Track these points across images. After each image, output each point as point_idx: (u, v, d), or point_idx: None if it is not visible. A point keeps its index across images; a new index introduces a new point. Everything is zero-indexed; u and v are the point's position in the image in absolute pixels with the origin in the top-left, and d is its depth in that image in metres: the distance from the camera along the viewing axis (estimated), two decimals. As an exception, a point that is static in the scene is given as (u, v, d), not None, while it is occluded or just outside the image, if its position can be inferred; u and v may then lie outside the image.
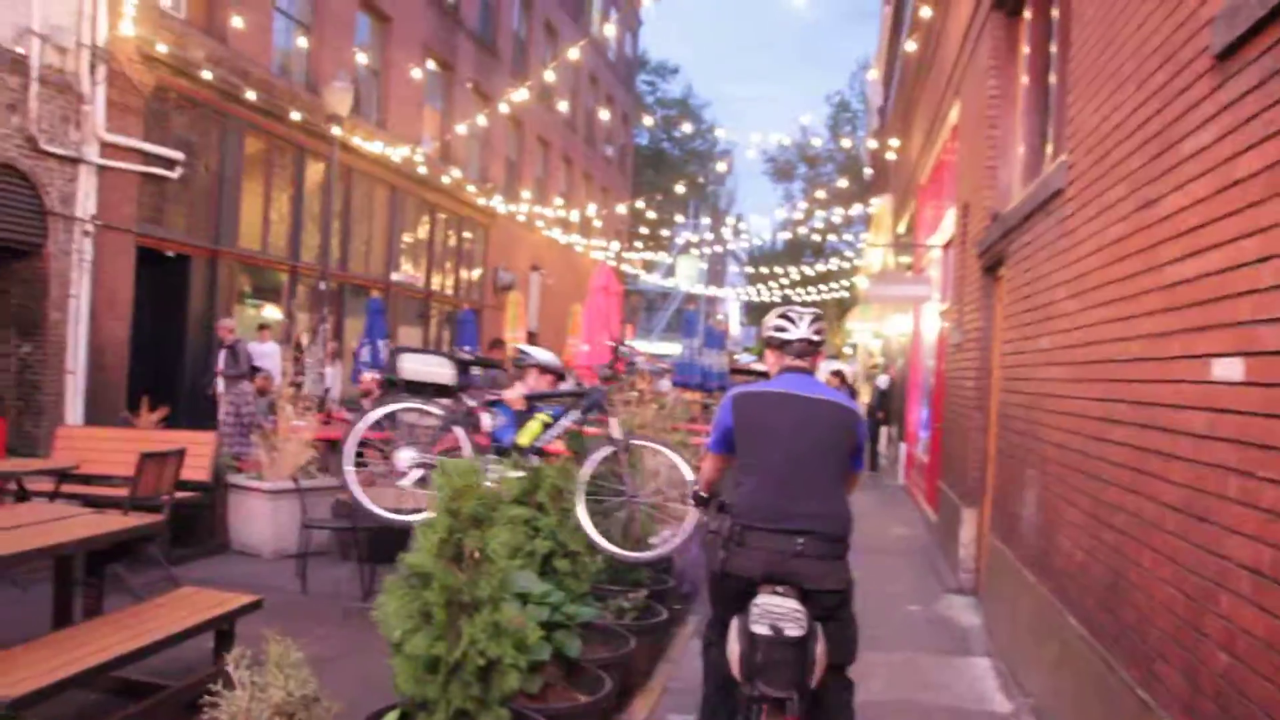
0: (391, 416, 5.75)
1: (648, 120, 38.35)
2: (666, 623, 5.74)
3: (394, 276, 18.09)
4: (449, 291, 20.85)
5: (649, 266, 38.34)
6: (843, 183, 27.67)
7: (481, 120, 17.60)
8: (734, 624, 3.52)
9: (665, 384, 15.34)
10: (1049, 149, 6.31)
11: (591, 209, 27.53)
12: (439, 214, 20.01)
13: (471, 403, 5.71)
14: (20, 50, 9.77)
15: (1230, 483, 2.88)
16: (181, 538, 7.67)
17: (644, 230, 34.09)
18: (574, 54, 14.20)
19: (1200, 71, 3.31)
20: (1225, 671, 2.84)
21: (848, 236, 31.09)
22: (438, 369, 5.58)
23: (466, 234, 21.58)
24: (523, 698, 3.78)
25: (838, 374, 17.34)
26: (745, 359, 8.15)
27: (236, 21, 12.95)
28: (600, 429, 6.09)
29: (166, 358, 12.32)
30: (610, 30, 31.42)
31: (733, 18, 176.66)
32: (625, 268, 33.23)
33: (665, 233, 34.59)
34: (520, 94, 16.58)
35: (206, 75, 12.22)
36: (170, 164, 11.78)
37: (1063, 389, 4.97)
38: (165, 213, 12.18)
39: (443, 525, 3.23)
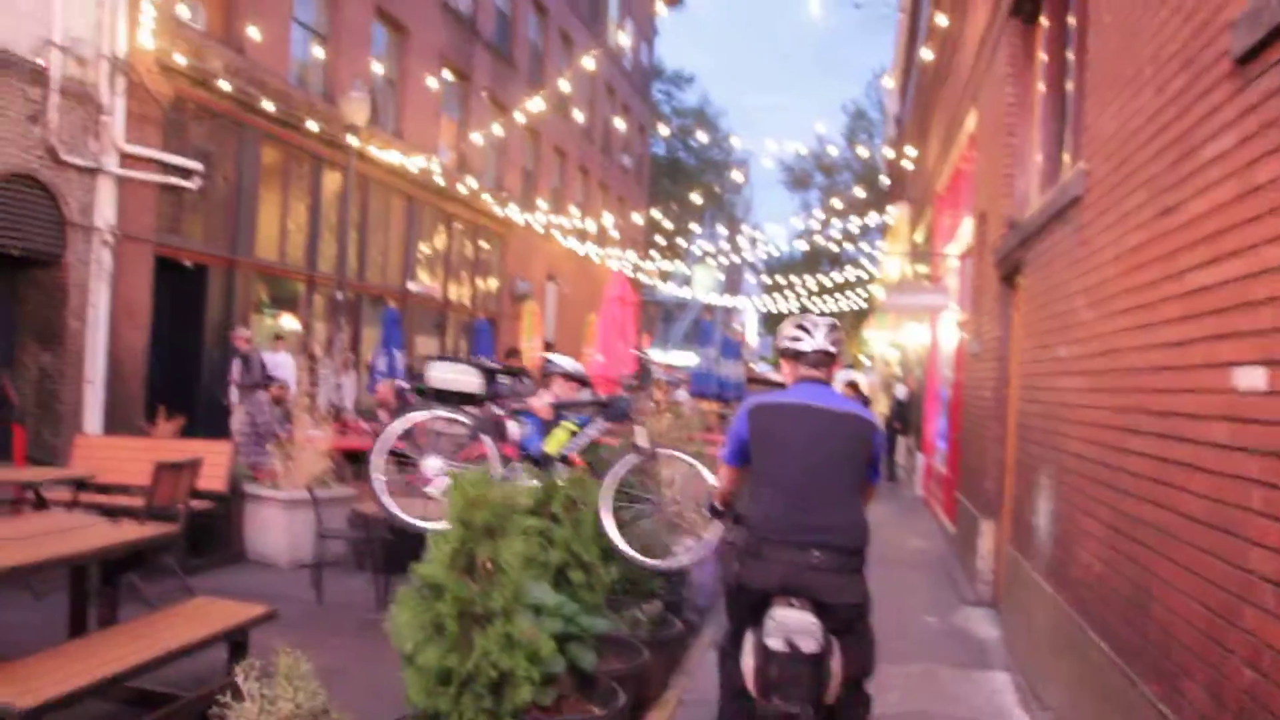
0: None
1: (664, 130, 38.38)
2: (682, 634, 5.71)
3: (411, 286, 18.13)
4: (465, 301, 20.89)
5: (665, 276, 38.33)
6: (859, 192, 27.63)
7: (498, 130, 17.65)
8: (749, 637, 3.49)
9: (682, 394, 15.32)
10: (1066, 156, 6.25)
11: (608, 218, 27.56)
12: (455, 224, 20.06)
13: (499, 411, 5.72)
14: (41, 62, 9.86)
15: (1253, 495, 2.83)
16: (198, 547, 7.68)
17: (660, 240, 34.09)
18: (588, 62, 14.24)
19: (1220, 76, 3.27)
20: (1249, 687, 2.79)
21: (864, 246, 31.01)
22: (465, 377, 5.59)
23: (483, 244, 21.63)
24: (536, 711, 3.74)
25: (852, 385, 17.26)
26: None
27: (254, 32, 13.03)
28: (617, 438, 6.10)
29: (184, 367, 12.37)
30: (625, 40, 31.49)
31: (748, 27, 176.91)
32: (642, 277, 33.24)
33: (682, 242, 34.57)
34: (536, 104, 16.62)
35: (224, 86, 12.30)
36: (188, 174, 11.84)
37: (1081, 399, 4.91)
38: (183, 223, 12.26)
39: (455, 536, 3.22)
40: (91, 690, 3.63)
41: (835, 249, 33.19)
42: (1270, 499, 2.72)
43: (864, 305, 33.24)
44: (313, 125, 14.08)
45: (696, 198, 27.07)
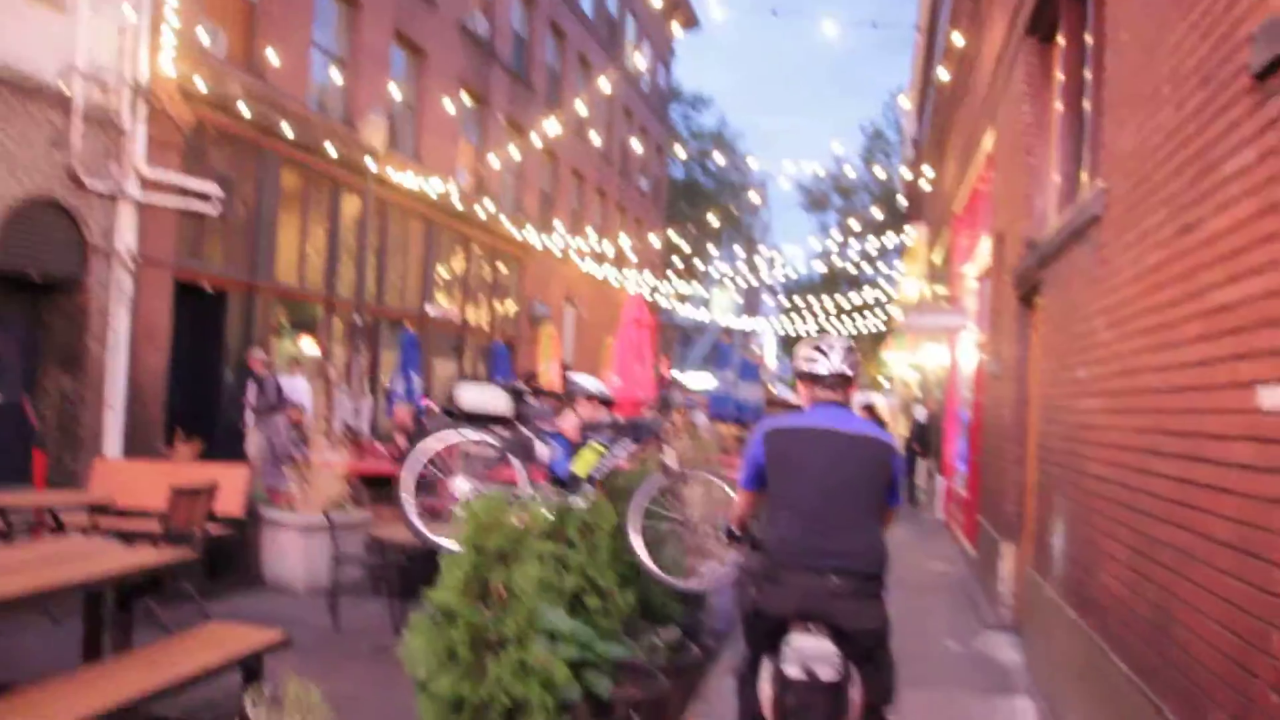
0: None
1: (681, 152, 38.44)
2: (699, 661, 5.65)
3: (429, 310, 18.18)
4: (483, 324, 20.93)
5: (684, 298, 38.32)
6: (877, 213, 27.58)
7: (515, 153, 17.72)
8: (766, 665, 3.44)
9: (700, 417, 15.27)
10: (1084, 175, 6.21)
11: (625, 241, 27.60)
12: (473, 247, 20.13)
13: (527, 433, 5.76)
14: (64, 88, 9.97)
15: (1278, 517, 2.77)
16: (215, 572, 7.67)
17: (678, 262, 34.10)
18: (604, 84, 14.28)
19: (1239, 91, 3.23)
20: (1277, 714, 2.71)
21: (883, 267, 30.91)
22: (494, 399, 5.66)
23: (501, 267, 21.69)
24: (550, 738, 3.70)
25: (868, 408, 17.16)
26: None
27: (274, 58, 13.15)
28: (636, 461, 6.10)
29: (204, 391, 12.42)
30: (643, 63, 31.63)
31: (765, 49, 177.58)
32: (660, 300, 33.24)
33: (699, 264, 34.57)
34: (554, 126, 16.68)
35: (244, 111, 12.40)
36: (208, 199, 11.93)
37: (1102, 420, 4.85)
38: (203, 247, 12.34)
39: (468, 561, 3.19)
40: (104, 718, 3.61)
41: (853, 270, 33.07)
42: (1297, 522, 2.66)
43: (883, 327, 33.12)
44: (332, 149, 14.17)
45: (714, 219, 27.03)
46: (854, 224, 28.36)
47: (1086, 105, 6.31)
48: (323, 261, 14.99)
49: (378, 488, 9.60)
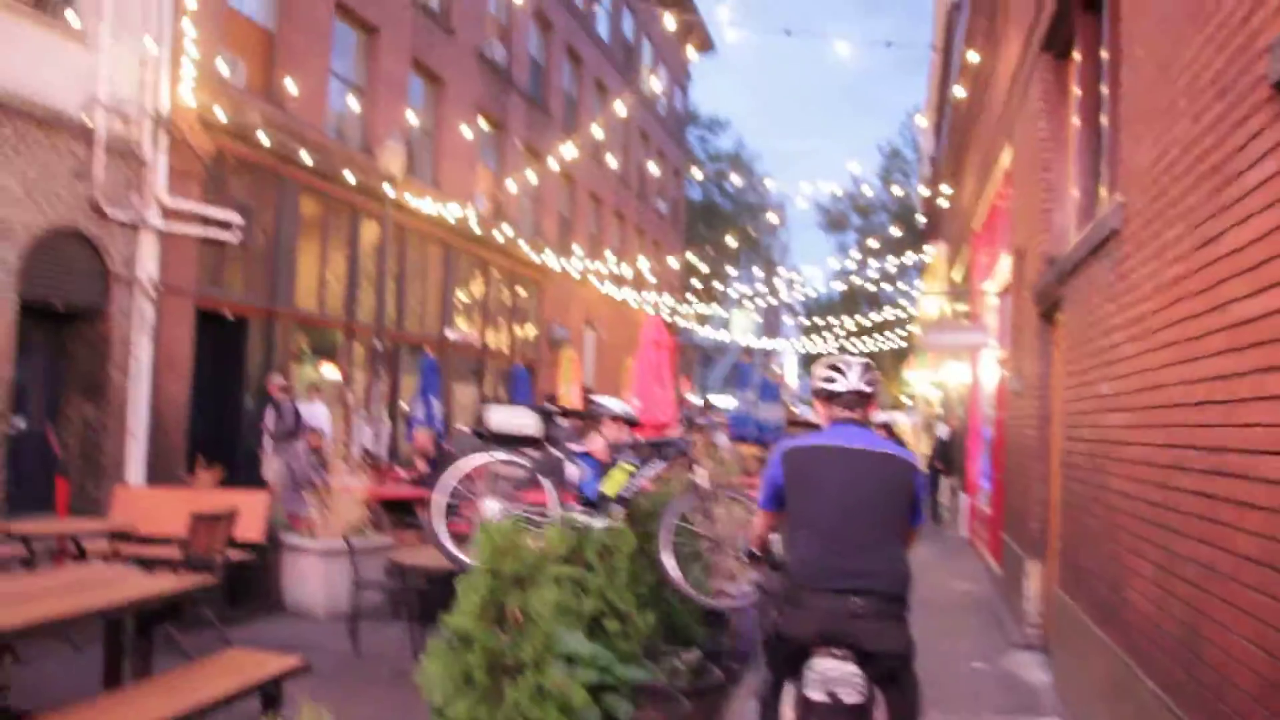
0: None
1: (698, 174, 38.52)
2: (722, 684, 5.58)
3: (449, 334, 18.23)
4: (503, 348, 20.97)
5: (704, 320, 38.31)
6: (896, 232, 27.54)
7: (533, 178, 17.81)
8: (788, 689, 3.39)
9: (721, 438, 15.18)
10: (1103, 190, 6.17)
11: (644, 263, 27.65)
12: (493, 271, 20.21)
13: (556, 454, 5.78)
14: (87, 120, 10.10)
15: (1309, 532, 2.72)
16: (236, 598, 7.68)
17: (697, 283, 34.11)
18: (620, 109, 14.34)
19: (1258, 102, 3.20)
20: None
21: (903, 285, 30.83)
22: (524, 421, 5.68)
23: (520, 291, 21.76)
24: (570, 763, 3.66)
25: (885, 426, 17.03)
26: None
27: (293, 87, 13.28)
28: (658, 483, 6.11)
29: (225, 417, 12.49)
30: (659, 86, 31.76)
31: (782, 71, 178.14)
32: (679, 321, 33.23)
33: (719, 286, 34.58)
34: (571, 151, 16.76)
35: (264, 140, 12.52)
36: (228, 227, 12.03)
37: (1126, 435, 4.79)
38: (224, 275, 12.44)
39: (484, 586, 3.17)
40: (123, 744, 3.61)
41: (873, 289, 33.01)
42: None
43: (904, 345, 33.01)
44: (350, 176, 14.28)
45: (731, 241, 27.07)
46: (873, 243, 28.27)
47: (1104, 120, 6.28)
48: (342, 287, 15.08)
49: (398, 512, 9.61)
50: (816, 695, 3.24)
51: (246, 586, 7.88)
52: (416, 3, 16.94)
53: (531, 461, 5.66)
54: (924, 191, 23.23)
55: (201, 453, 10.18)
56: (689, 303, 33.03)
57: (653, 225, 32.03)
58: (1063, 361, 6.92)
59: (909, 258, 25.87)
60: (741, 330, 45.50)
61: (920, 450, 23.76)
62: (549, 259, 21.89)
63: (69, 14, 9.96)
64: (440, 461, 10.97)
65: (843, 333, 34.02)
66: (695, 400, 30.06)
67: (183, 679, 4.38)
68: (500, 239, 19.45)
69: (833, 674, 3.24)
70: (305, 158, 13.27)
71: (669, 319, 29.45)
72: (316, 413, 12.12)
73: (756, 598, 4.47)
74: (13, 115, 9.25)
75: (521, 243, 20.71)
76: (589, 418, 6.84)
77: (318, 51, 14.25)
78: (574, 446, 6.07)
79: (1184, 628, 3.79)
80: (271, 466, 10.98)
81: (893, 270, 27.24)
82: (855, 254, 31.85)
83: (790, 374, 53.05)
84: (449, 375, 17.99)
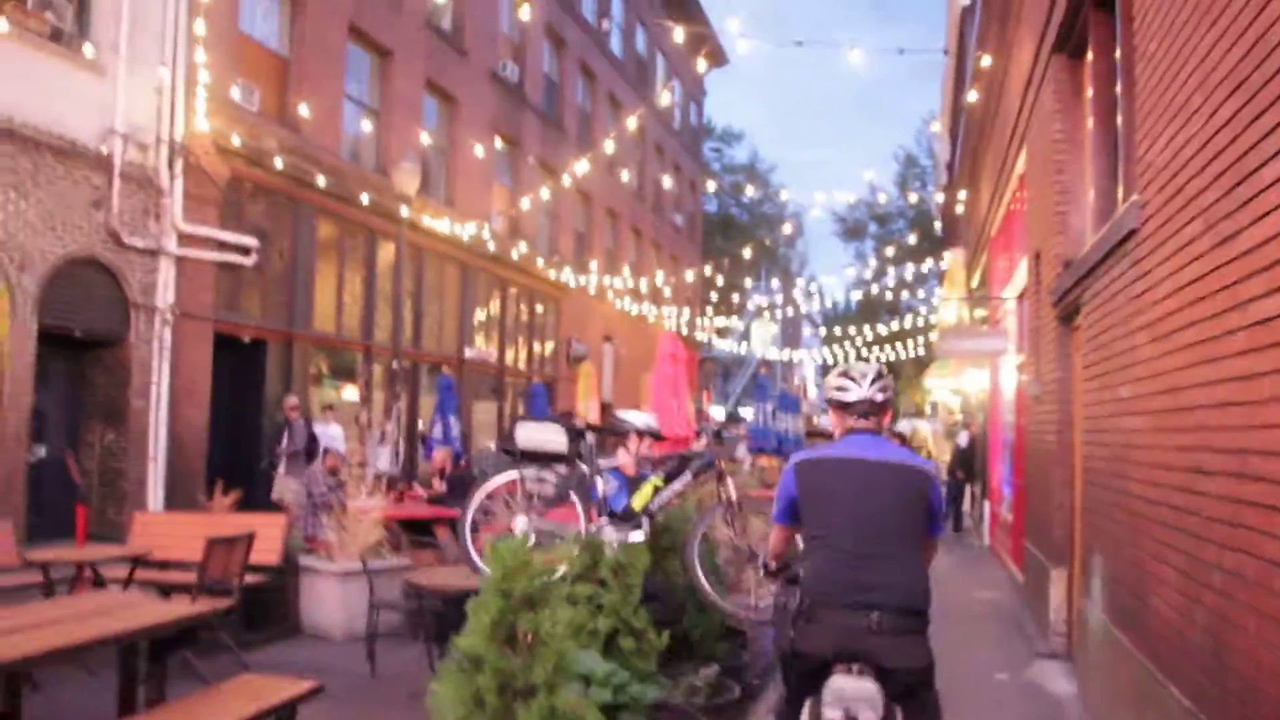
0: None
1: (712, 186, 38.49)
2: (739, 700, 5.51)
3: (467, 353, 18.25)
4: (522, 365, 20.97)
5: (723, 332, 38.24)
6: (913, 239, 27.42)
7: (548, 194, 17.82)
8: (805, 708, 3.31)
9: (741, 450, 15.12)
10: (1119, 191, 6.08)
11: (661, 277, 27.64)
12: (510, 289, 20.23)
13: (585, 469, 5.82)
14: (104, 150, 10.19)
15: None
16: (253, 621, 7.66)
17: (715, 297, 34.06)
18: (632, 124, 14.34)
19: (1274, 95, 3.13)
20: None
21: (921, 293, 30.68)
22: (552, 437, 5.74)
23: (538, 307, 21.77)
24: (585, 785, 3.60)
25: (897, 434, 16.88)
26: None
27: (307, 111, 13.35)
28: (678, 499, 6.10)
29: (244, 440, 12.52)
30: (673, 100, 31.77)
31: (796, 82, 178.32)
32: (698, 334, 33.16)
33: (737, 298, 34.52)
34: (585, 167, 16.75)
35: (279, 164, 12.59)
36: (246, 251, 12.11)
37: (1147, 439, 4.70)
38: (241, 299, 12.50)
39: (494, 606, 3.12)
40: (135, 773, 3.57)
41: (892, 297, 32.90)
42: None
43: (924, 353, 32.81)
44: (366, 198, 14.33)
45: (748, 253, 27.01)
46: (891, 251, 28.15)
47: (1118, 120, 6.20)
48: (359, 309, 15.12)
49: (415, 532, 9.59)
50: (834, 714, 3.16)
51: (264, 609, 7.86)
52: (429, 25, 17.03)
53: (560, 477, 5.73)
54: (940, 198, 23.12)
55: (221, 476, 10.20)
56: (707, 316, 32.97)
57: (670, 239, 32.02)
58: (1082, 365, 6.82)
59: (927, 265, 25.72)
60: (761, 342, 45.37)
61: (942, 458, 23.57)
62: (566, 275, 21.90)
63: (85, 46, 10.05)
64: (458, 481, 10.97)
65: (862, 342, 33.86)
66: (717, 413, 30.03)
67: (198, 704, 4.35)
68: (517, 257, 19.48)
69: (850, 692, 3.16)
70: (321, 181, 13.33)
71: (687, 332, 29.39)
72: (331, 433, 12.14)
73: (774, 613, 4.40)
74: (30, 146, 9.34)
75: (539, 260, 20.74)
76: (615, 433, 6.84)
77: (332, 75, 14.34)
78: (601, 462, 6.07)
79: (1210, 636, 3.69)
80: (287, 487, 11.01)
81: (911, 278, 27.10)
82: (873, 262, 31.71)
83: (810, 385, 52.90)
84: (468, 394, 18.01)
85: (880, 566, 3.33)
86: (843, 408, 3.68)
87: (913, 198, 37.05)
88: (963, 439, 19.48)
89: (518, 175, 20.77)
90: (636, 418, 6.71)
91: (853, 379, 3.68)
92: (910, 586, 3.35)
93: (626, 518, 5.77)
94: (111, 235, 10.28)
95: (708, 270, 28.18)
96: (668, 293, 28.43)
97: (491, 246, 18.35)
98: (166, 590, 6.99)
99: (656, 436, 6.83)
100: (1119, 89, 6.15)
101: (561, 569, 4.61)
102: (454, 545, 9.41)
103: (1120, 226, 5.27)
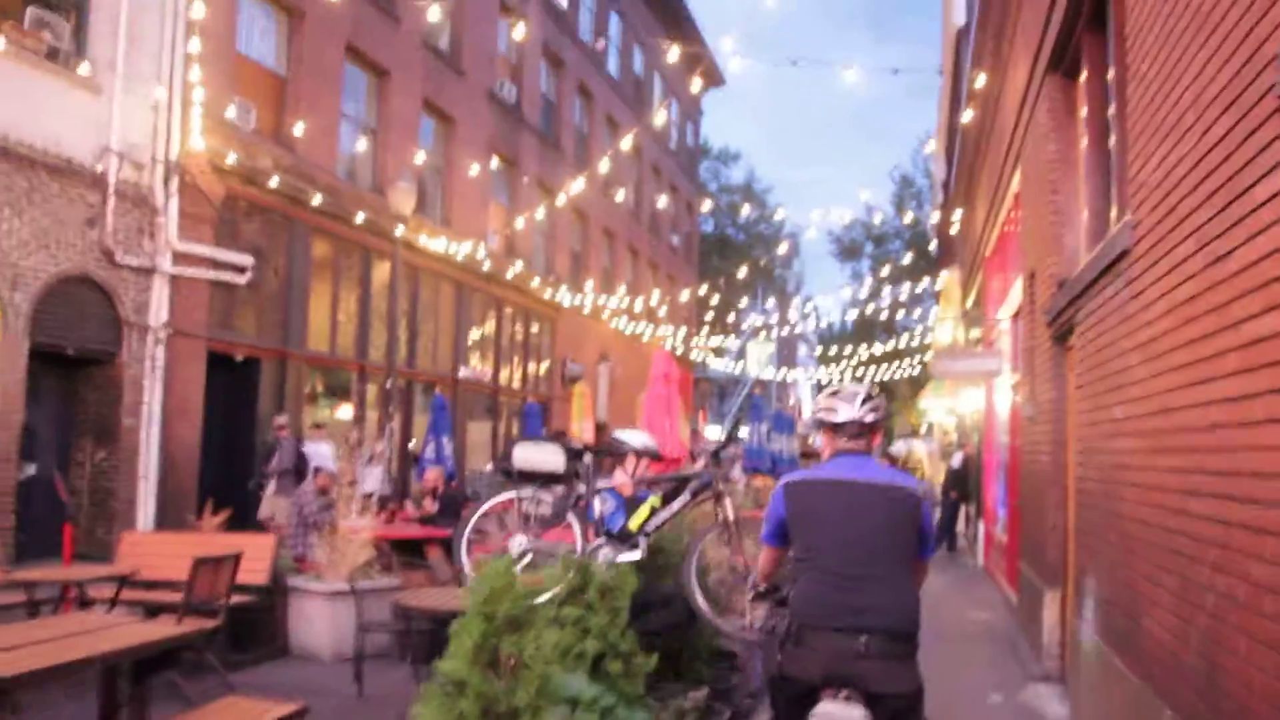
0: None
1: (708, 206, 38.54)
2: (731, 722, 5.45)
3: (462, 372, 18.21)
4: (516, 385, 20.93)
5: (719, 352, 38.22)
6: (909, 259, 27.46)
7: (544, 214, 17.83)
8: (795, 732, 3.26)
9: (736, 470, 15.06)
10: (1112, 210, 6.07)
11: (657, 297, 27.63)
12: (505, 308, 20.21)
13: (582, 489, 5.80)
14: (100, 168, 10.18)
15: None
16: (241, 642, 7.59)
17: (711, 316, 34.03)
18: (626, 144, 14.35)
19: (1266, 113, 3.11)
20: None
21: (917, 313, 30.70)
22: (549, 458, 5.72)
23: (534, 327, 21.75)
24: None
25: (889, 456, 16.83)
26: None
27: (304, 130, 13.35)
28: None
29: (237, 459, 12.46)
30: (671, 120, 31.85)
31: (792, 103, 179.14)
32: (694, 354, 33.14)
33: (733, 318, 34.50)
34: (582, 187, 16.77)
35: (275, 183, 12.58)
36: (240, 270, 12.09)
37: (1140, 460, 4.66)
38: (235, 317, 12.47)
39: (477, 629, 3.07)
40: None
41: (888, 317, 32.89)
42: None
43: (920, 373, 32.80)
44: (361, 217, 14.33)
45: (744, 273, 27.05)
46: (887, 271, 28.18)
47: (1112, 139, 6.19)
48: (354, 328, 15.09)
49: (407, 553, 9.51)
50: (820, 740, 3.10)
51: (252, 630, 7.78)
52: (427, 45, 17.08)
53: (557, 498, 5.71)
54: (935, 217, 23.17)
55: (213, 495, 10.15)
56: (703, 336, 32.95)
57: (666, 259, 32.05)
58: (1075, 385, 6.79)
59: (923, 285, 25.73)
60: (757, 362, 45.35)
61: (937, 479, 23.52)
62: (562, 295, 21.88)
63: (82, 65, 10.05)
64: (449, 501, 10.90)
65: (858, 362, 33.84)
66: (713, 433, 29.97)
67: (179, 728, 4.29)
68: (512, 276, 19.47)
69: (838, 717, 3.11)
70: (316, 199, 13.33)
71: (683, 352, 29.37)
72: (321, 451, 12.09)
73: (761, 636, 4.36)
74: (25, 164, 9.33)
75: (535, 280, 20.73)
76: (613, 453, 6.81)
77: (328, 95, 14.36)
78: (599, 482, 6.04)
79: (1203, 658, 3.64)
80: (277, 507, 10.95)
81: (906, 298, 27.12)
82: (869, 282, 31.72)
83: (806, 405, 52.87)
84: (462, 413, 17.95)
85: (869, 589, 3.29)
86: (833, 429, 3.64)
87: (909, 217, 37.09)
88: (956, 460, 19.43)
89: (514, 195, 20.79)
90: (635, 438, 6.67)
91: (843, 400, 3.64)
92: (900, 610, 3.31)
93: (623, 538, 5.73)
94: (105, 253, 10.26)
95: (703, 290, 28.19)
96: (663, 312, 28.42)
97: (487, 266, 18.34)
98: (154, 610, 6.92)
99: (655, 457, 6.79)
100: (1112, 108, 6.15)
101: (550, 593, 4.56)
102: (445, 566, 9.34)
103: (1113, 246, 5.25)
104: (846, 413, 3.60)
